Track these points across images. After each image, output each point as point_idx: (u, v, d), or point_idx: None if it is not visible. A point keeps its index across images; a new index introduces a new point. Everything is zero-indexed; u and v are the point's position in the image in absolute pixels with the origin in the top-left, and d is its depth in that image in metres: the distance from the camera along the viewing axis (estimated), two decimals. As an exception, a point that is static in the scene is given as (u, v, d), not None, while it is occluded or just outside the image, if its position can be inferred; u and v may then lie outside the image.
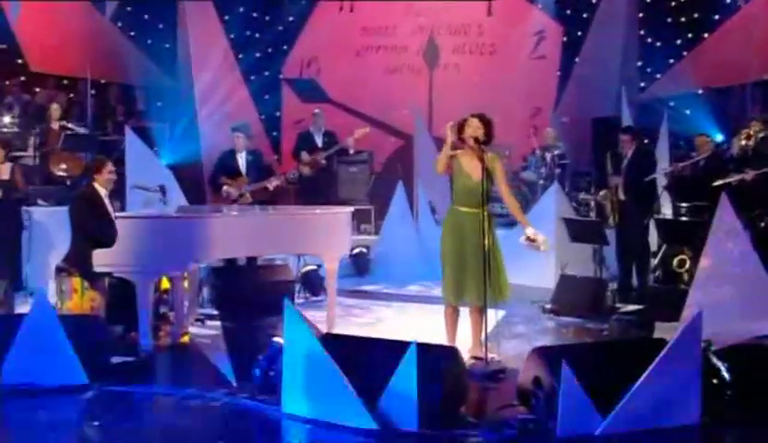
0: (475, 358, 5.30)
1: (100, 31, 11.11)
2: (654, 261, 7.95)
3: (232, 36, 11.75)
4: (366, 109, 11.79)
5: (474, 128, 5.32)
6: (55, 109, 9.22)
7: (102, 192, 6.05)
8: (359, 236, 9.44)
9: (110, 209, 6.05)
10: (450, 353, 4.51)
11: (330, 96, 11.93)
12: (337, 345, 4.36)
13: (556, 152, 9.90)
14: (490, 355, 5.21)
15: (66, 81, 10.97)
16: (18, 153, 8.66)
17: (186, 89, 11.14)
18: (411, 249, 9.07)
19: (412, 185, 10.05)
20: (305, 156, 9.71)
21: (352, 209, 6.89)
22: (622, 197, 7.98)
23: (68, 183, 8.68)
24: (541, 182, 9.77)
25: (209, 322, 6.90)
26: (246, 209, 7.31)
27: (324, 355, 4.18)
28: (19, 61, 10.79)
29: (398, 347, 4.15)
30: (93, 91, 10.38)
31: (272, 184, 8.20)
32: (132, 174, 8.51)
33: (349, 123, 11.23)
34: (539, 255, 8.11)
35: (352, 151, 9.91)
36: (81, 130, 9.30)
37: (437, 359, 4.24)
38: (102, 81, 10.97)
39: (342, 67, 12.12)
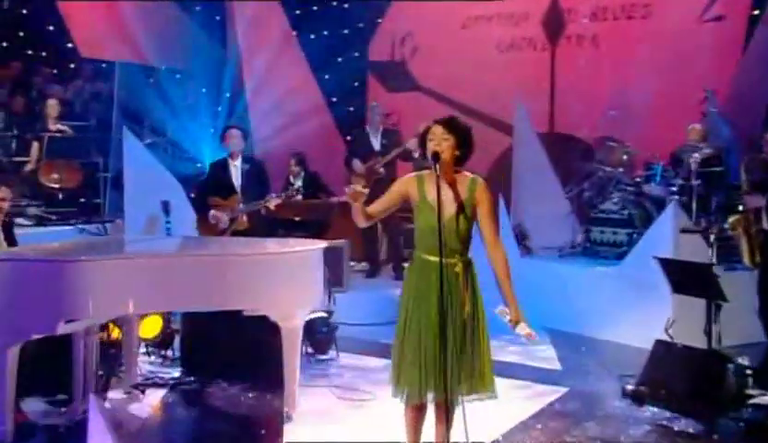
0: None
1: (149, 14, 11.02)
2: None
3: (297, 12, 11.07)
4: (468, 98, 10.71)
5: (438, 140, 4.20)
6: (52, 106, 9.00)
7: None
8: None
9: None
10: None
11: (423, 82, 11.03)
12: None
13: (695, 156, 8.07)
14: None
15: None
16: (19, 159, 8.57)
17: (236, 74, 10.79)
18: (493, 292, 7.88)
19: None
20: (357, 165, 8.85)
21: (322, 245, 5.78)
22: (767, 225, 6.20)
23: (60, 196, 8.41)
24: (676, 198, 8.01)
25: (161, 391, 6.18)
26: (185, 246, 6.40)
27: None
28: (69, 45, 11.02)
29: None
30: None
31: (272, 203, 7.26)
32: (131, 186, 8.11)
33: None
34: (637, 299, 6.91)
35: (416, 155, 8.75)
36: (69, 131, 8.98)
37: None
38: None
39: (443, 45, 11.07)
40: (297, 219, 8.80)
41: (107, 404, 5.75)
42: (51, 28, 11.08)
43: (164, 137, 10.07)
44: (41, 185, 8.51)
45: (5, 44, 11.09)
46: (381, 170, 8.85)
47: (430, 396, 4.25)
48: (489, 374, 4.31)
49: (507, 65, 10.75)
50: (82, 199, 8.98)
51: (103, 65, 11.02)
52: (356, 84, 11.53)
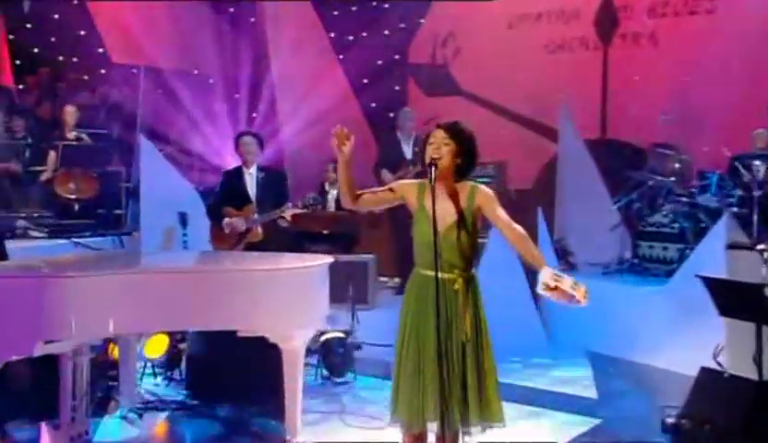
0: None
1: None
2: None
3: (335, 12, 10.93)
4: (513, 102, 10.54)
5: (438, 144, 4.09)
6: (69, 113, 8.95)
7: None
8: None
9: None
10: None
11: (465, 86, 10.78)
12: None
13: (757, 163, 7.57)
14: None
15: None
16: (37, 168, 8.56)
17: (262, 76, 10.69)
18: (524, 311, 7.68)
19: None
20: (385, 175, 8.61)
21: (328, 260, 5.52)
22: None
23: (76, 208, 8.36)
24: (734, 210, 7.52)
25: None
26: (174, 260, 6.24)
27: None
28: (100, 50, 11.10)
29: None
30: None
31: (289, 213, 7.04)
32: (149, 195, 8.09)
33: (487, 122, 9.90)
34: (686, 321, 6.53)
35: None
36: (87, 140, 8.95)
37: None
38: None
39: (487, 46, 10.80)
40: (325, 232, 8.62)
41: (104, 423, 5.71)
42: (82, 32, 11.17)
43: (184, 145, 9.97)
44: (56, 196, 8.45)
45: (35, 50, 11.20)
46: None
47: (432, 425, 4.06)
48: (496, 400, 4.13)
49: (556, 67, 10.41)
50: (101, 210, 8.92)
51: (134, 71, 11.02)
52: (397, 88, 11.27)
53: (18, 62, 11.41)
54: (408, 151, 8.77)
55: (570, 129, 9.03)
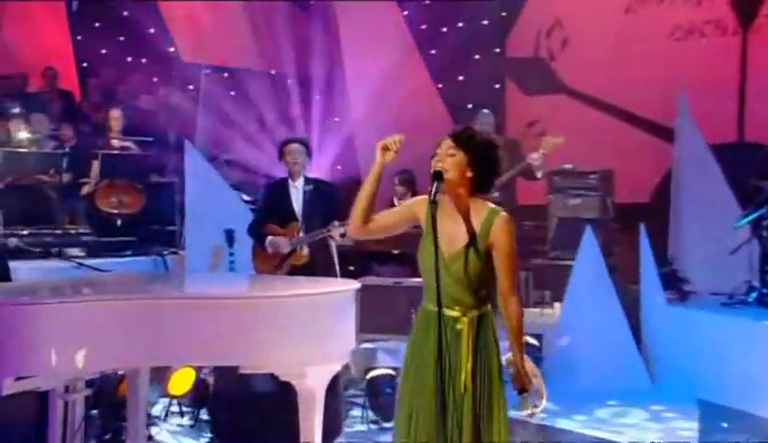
0: None
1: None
2: None
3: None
4: (629, 101, 9.80)
5: (442, 155, 3.87)
6: (115, 118, 8.84)
7: None
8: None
9: None
10: None
11: (573, 83, 10.11)
12: None
13: None
14: None
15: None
16: (82, 181, 8.50)
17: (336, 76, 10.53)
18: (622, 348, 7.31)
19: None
20: None
21: (354, 286, 5.11)
22: None
23: (119, 223, 8.24)
24: None
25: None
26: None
27: None
28: (171, 49, 11.14)
29: None
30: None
31: (337, 232, 6.65)
32: (194, 206, 8.02)
33: (596, 125, 9.35)
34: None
35: (539, 175, 7.85)
36: (133, 147, 8.82)
37: None
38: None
39: (600, 34, 10.10)
40: (395, 252, 8.20)
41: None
42: (151, 30, 11.20)
43: (249, 153, 9.75)
44: (99, 210, 8.32)
45: (103, 51, 11.29)
46: (495, 195, 7.89)
47: None
48: None
49: (683, 58, 9.57)
50: (155, 226, 8.75)
51: (206, 71, 10.95)
52: (497, 86, 10.72)
53: (84, 64, 11.53)
54: (488, 161, 8.21)
55: (690, 128, 8.23)
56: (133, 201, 8.40)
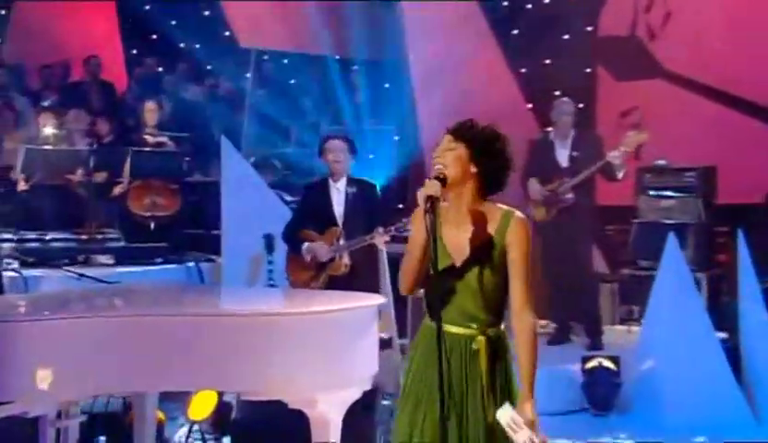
0: None
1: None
2: None
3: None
4: (741, 87, 9.15)
5: (441, 152, 3.78)
6: (150, 111, 8.64)
7: None
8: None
9: None
10: None
11: (671, 65, 9.47)
12: None
13: None
14: None
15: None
16: (117, 180, 8.29)
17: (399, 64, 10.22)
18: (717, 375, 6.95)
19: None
20: (533, 188, 7.86)
21: (378, 300, 4.94)
22: None
23: (152, 226, 8.08)
24: None
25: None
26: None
27: None
28: (227, 33, 11.06)
29: None
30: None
31: (380, 240, 6.49)
32: (230, 203, 7.91)
33: (698, 114, 8.85)
34: None
35: (620, 176, 7.56)
36: (169, 143, 8.59)
37: None
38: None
39: (710, 9, 9.35)
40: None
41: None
42: (206, 13, 11.01)
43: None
44: (131, 213, 8.14)
45: (153, 36, 11.11)
46: (569, 196, 7.64)
47: None
48: None
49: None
50: (200, 230, 8.56)
51: (265, 58, 10.70)
52: (588, 70, 10.13)
53: (134, 51, 11.36)
54: (564, 157, 7.86)
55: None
56: (168, 203, 8.30)
